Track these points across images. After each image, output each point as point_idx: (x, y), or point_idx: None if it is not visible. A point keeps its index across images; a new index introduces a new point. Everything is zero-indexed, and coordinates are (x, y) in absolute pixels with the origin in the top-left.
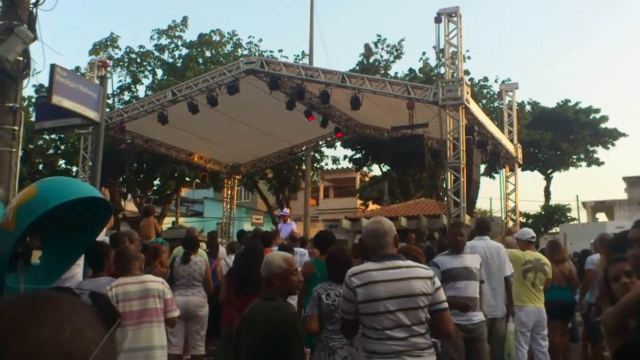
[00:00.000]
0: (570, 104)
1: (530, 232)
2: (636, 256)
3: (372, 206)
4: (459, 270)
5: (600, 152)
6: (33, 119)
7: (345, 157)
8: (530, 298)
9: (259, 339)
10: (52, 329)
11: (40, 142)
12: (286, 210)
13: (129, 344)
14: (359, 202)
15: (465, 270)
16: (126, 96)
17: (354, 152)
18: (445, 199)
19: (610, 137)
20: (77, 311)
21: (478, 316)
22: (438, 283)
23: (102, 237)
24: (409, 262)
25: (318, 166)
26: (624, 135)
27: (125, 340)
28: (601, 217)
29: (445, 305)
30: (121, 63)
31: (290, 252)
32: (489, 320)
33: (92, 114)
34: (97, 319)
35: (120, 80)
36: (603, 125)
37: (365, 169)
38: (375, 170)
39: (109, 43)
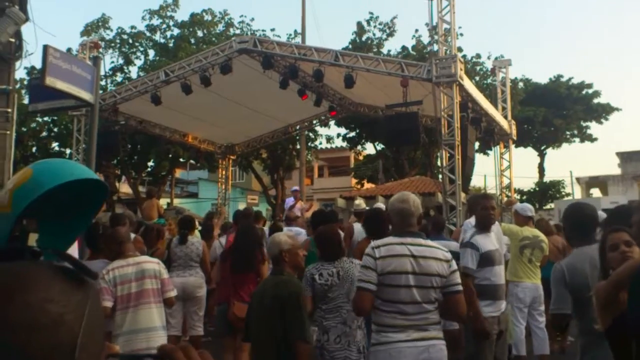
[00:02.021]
0: (562, 79)
1: (529, 208)
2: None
3: (366, 185)
4: (493, 253)
5: (593, 128)
6: (25, 101)
7: (339, 135)
8: (527, 274)
9: (264, 310)
10: (41, 295)
11: (33, 124)
12: (296, 188)
13: (129, 325)
14: (354, 180)
15: (497, 252)
16: (118, 77)
17: (347, 130)
18: (440, 176)
19: (603, 112)
20: (57, 276)
21: (504, 303)
22: (454, 266)
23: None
24: (429, 242)
25: (312, 145)
26: (617, 109)
27: (125, 323)
28: (595, 192)
29: (460, 287)
30: (113, 44)
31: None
32: None
33: (86, 95)
34: (77, 279)
35: (112, 62)
36: (596, 101)
37: (359, 147)
38: (370, 148)
39: (100, 24)
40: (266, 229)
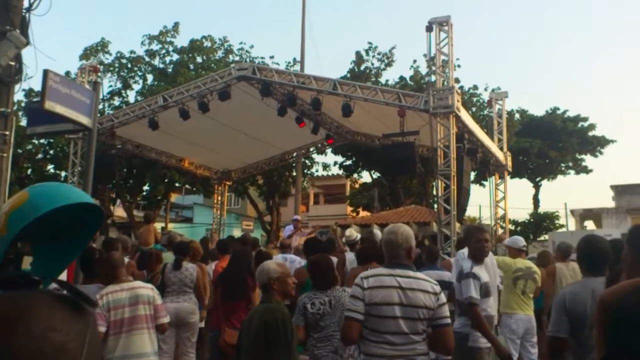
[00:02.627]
0: (558, 112)
1: (521, 241)
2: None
3: (362, 213)
4: (487, 285)
5: (588, 160)
6: (22, 123)
7: (335, 163)
8: (520, 306)
9: (251, 337)
10: (44, 324)
11: (29, 146)
12: (297, 217)
13: (121, 351)
14: (349, 208)
15: (490, 284)
16: (116, 101)
17: (344, 158)
18: (435, 206)
19: (598, 144)
20: (58, 305)
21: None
22: (443, 299)
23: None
24: (418, 274)
25: (308, 172)
26: (612, 141)
27: (117, 348)
28: (589, 225)
29: (448, 321)
30: (112, 68)
31: (265, 259)
32: None
33: (84, 120)
34: (78, 307)
35: (110, 85)
36: (591, 133)
37: (355, 175)
38: (366, 177)
39: (99, 48)
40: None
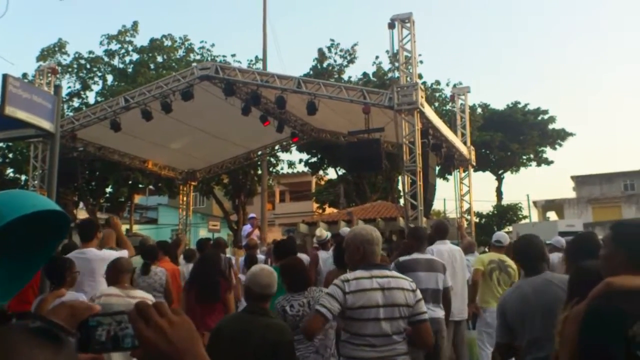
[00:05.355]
0: (519, 105)
1: (496, 236)
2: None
3: (328, 209)
4: (429, 291)
5: (549, 152)
6: None
7: (300, 161)
8: (495, 299)
9: (253, 353)
10: None
11: None
12: (253, 215)
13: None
14: (315, 205)
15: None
16: (75, 103)
17: (309, 156)
18: (401, 201)
19: (558, 137)
20: (38, 342)
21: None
22: (419, 295)
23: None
24: (394, 273)
25: (274, 171)
26: (571, 134)
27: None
28: (552, 215)
29: (426, 316)
30: (70, 69)
31: (254, 262)
32: (454, 323)
33: (47, 125)
34: (57, 340)
35: (69, 87)
36: (551, 126)
37: (321, 172)
38: (331, 173)
39: (57, 49)
40: (240, 258)
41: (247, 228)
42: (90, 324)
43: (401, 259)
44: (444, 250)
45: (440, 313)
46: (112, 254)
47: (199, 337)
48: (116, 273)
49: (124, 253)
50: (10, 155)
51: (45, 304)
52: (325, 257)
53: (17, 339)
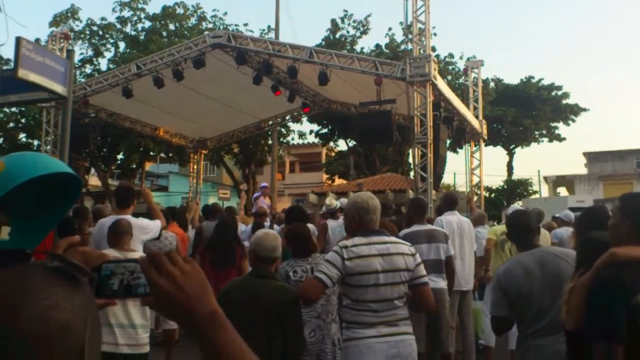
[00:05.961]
0: (533, 80)
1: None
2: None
3: (338, 180)
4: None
5: (561, 128)
6: None
7: (311, 132)
8: None
9: (261, 315)
10: (45, 304)
11: (0, 115)
12: (265, 184)
13: (114, 319)
14: (325, 176)
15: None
16: (88, 69)
17: (320, 127)
18: (411, 173)
19: (571, 112)
20: (56, 280)
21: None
22: (419, 259)
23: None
24: (393, 238)
25: (284, 141)
26: (584, 110)
27: (110, 316)
28: (562, 191)
29: (426, 279)
30: (82, 35)
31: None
32: (460, 293)
33: (59, 88)
34: (74, 279)
35: (81, 53)
36: (564, 102)
37: (331, 143)
38: (342, 145)
39: (69, 15)
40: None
41: (256, 196)
42: (103, 273)
43: (401, 233)
44: (453, 220)
45: (442, 283)
46: (149, 223)
47: (210, 287)
48: (116, 235)
49: (157, 223)
50: (23, 121)
51: (58, 248)
52: (334, 225)
53: (36, 276)
